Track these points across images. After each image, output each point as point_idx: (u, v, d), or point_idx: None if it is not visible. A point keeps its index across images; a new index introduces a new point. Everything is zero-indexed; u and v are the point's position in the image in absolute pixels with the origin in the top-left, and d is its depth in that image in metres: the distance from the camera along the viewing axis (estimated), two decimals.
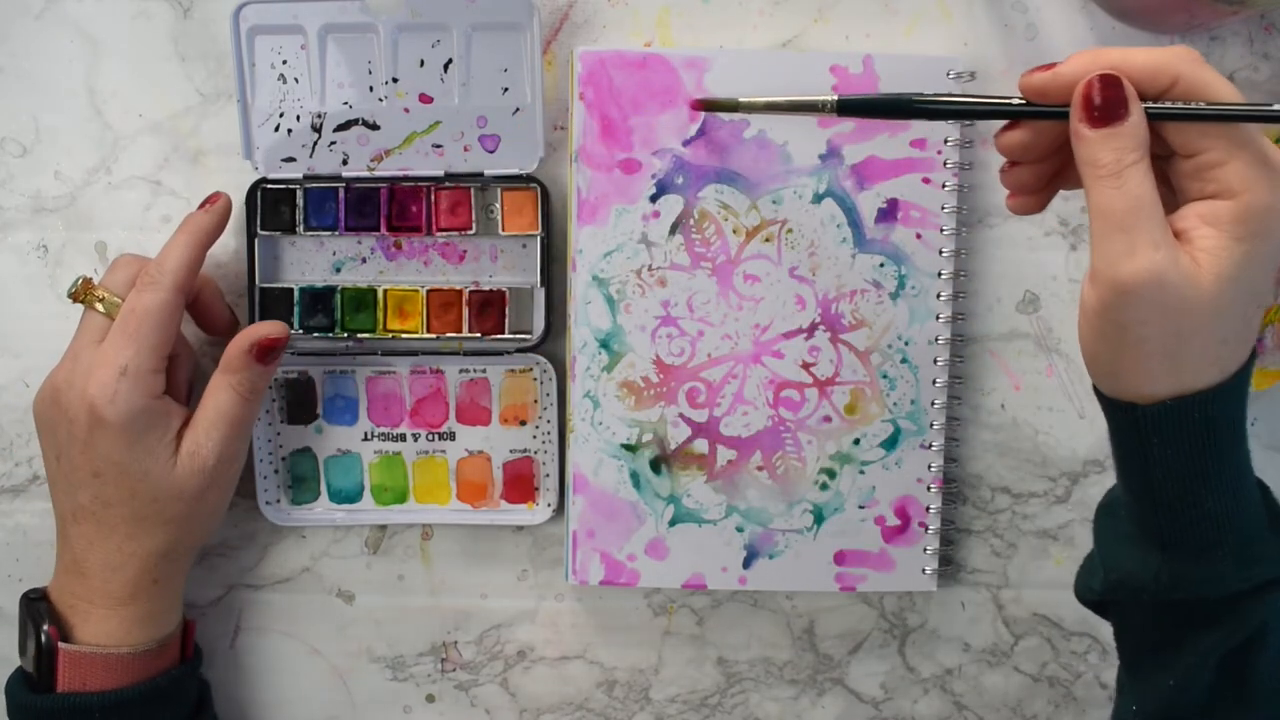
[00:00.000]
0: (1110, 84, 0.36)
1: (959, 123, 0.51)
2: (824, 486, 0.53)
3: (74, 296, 0.49)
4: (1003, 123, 0.41)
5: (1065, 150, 0.40)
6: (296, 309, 0.53)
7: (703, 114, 0.51)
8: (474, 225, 0.52)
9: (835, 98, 0.43)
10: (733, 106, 0.48)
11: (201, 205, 0.50)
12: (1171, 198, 0.38)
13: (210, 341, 0.54)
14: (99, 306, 0.48)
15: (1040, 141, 0.40)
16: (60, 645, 0.47)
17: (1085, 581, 0.43)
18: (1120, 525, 0.41)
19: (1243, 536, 0.39)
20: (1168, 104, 0.37)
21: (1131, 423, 0.38)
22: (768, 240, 0.51)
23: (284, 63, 0.51)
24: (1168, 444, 0.38)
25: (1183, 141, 0.37)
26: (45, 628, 0.47)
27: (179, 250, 0.48)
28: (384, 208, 0.52)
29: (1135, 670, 0.43)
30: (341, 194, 0.52)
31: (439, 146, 0.52)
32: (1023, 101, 0.40)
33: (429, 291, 0.53)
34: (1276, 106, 0.36)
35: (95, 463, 0.47)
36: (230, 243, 0.53)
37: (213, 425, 0.49)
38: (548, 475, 0.54)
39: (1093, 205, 0.37)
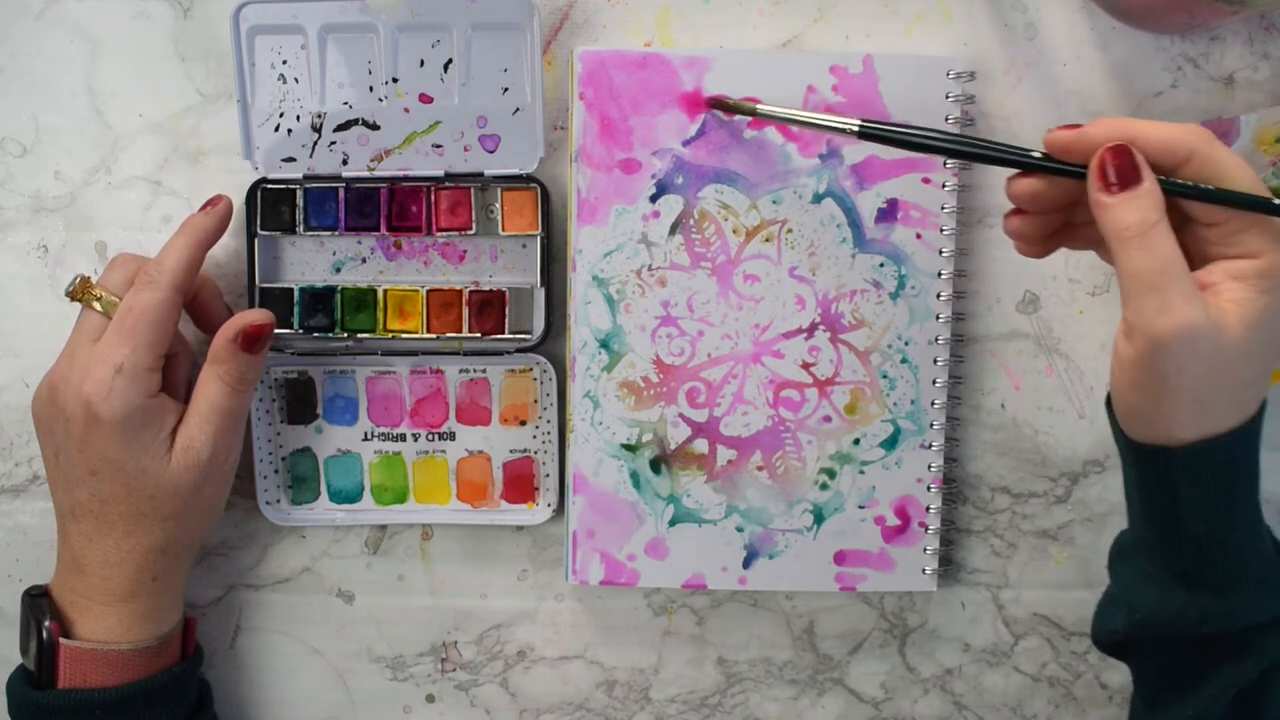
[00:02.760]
0: (1121, 153, 0.39)
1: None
2: (824, 486, 0.53)
3: (72, 295, 0.49)
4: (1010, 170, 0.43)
5: (1072, 209, 0.43)
6: (296, 309, 0.53)
7: (707, 113, 0.51)
8: (474, 225, 0.52)
9: (857, 123, 0.44)
10: (750, 112, 0.49)
11: (203, 207, 0.50)
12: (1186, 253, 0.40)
13: (208, 341, 0.54)
14: (96, 305, 0.48)
15: (1051, 194, 0.42)
16: (61, 641, 0.47)
17: (1106, 625, 0.45)
18: (1141, 567, 0.43)
19: (1262, 570, 0.41)
20: (1179, 181, 0.40)
21: (1162, 466, 0.40)
22: (768, 240, 0.51)
23: (284, 63, 0.51)
24: (1195, 484, 0.40)
25: (1201, 213, 0.40)
26: (47, 623, 0.47)
27: (178, 250, 0.48)
28: (384, 208, 0.52)
29: (1154, 707, 0.45)
30: (341, 194, 0.52)
31: (439, 146, 0.52)
32: (1042, 155, 0.42)
33: (429, 291, 0.53)
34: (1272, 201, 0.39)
35: (92, 460, 0.47)
36: (230, 243, 0.53)
37: (204, 419, 0.49)
38: (548, 475, 0.54)
39: (1122, 267, 0.39)
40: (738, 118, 0.50)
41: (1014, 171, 0.43)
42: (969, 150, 0.43)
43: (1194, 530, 0.41)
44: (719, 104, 0.50)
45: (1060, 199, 0.43)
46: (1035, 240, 0.45)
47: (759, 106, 0.48)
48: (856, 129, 0.44)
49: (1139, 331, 0.38)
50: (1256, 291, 0.39)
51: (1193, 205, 0.40)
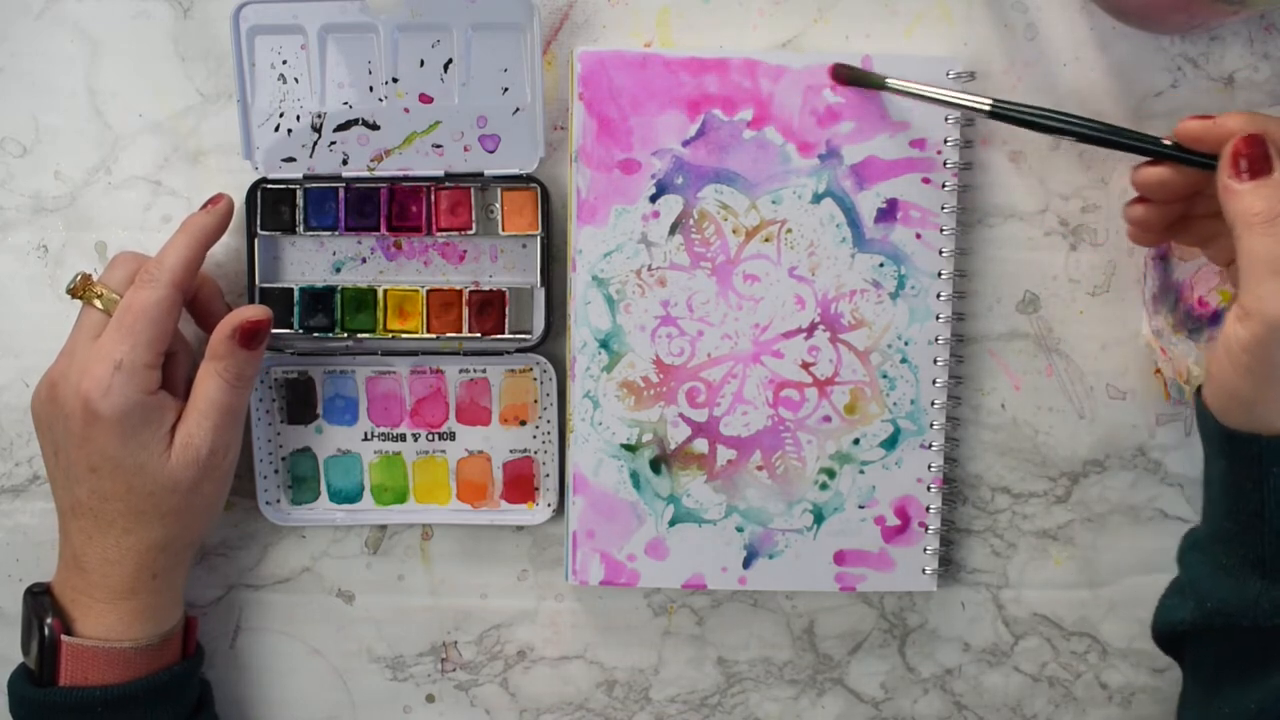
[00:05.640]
0: (1255, 142, 0.41)
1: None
2: (824, 486, 0.53)
3: (72, 292, 0.49)
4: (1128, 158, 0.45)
5: (1193, 200, 0.45)
6: (296, 309, 0.53)
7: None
8: (474, 225, 0.52)
9: (989, 103, 0.45)
10: (879, 84, 0.49)
11: (203, 206, 0.50)
12: None
13: (208, 340, 0.54)
14: (97, 303, 0.48)
15: (1176, 184, 0.44)
16: (63, 638, 0.47)
17: (1171, 616, 0.46)
18: (1215, 557, 0.44)
19: None
20: None
21: (1255, 454, 0.42)
22: (767, 240, 0.51)
23: (284, 63, 0.51)
24: None
25: None
26: (49, 621, 0.47)
27: (178, 249, 0.49)
28: (384, 208, 0.52)
29: (1212, 697, 0.45)
30: (341, 194, 0.52)
31: (439, 146, 0.52)
32: (1173, 143, 0.44)
33: (429, 291, 0.53)
34: None
35: (91, 458, 0.47)
36: (230, 243, 0.53)
37: (203, 415, 0.49)
38: (548, 475, 0.54)
39: (1246, 251, 0.40)
40: (861, 88, 0.50)
41: (1140, 158, 0.45)
42: (1099, 135, 0.45)
43: (1278, 520, 0.41)
44: (846, 75, 0.50)
45: (1184, 189, 0.44)
46: (1155, 229, 0.46)
47: (889, 80, 0.48)
48: (988, 108, 0.45)
49: (1256, 315, 0.39)
50: None
51: None
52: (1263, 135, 0.41)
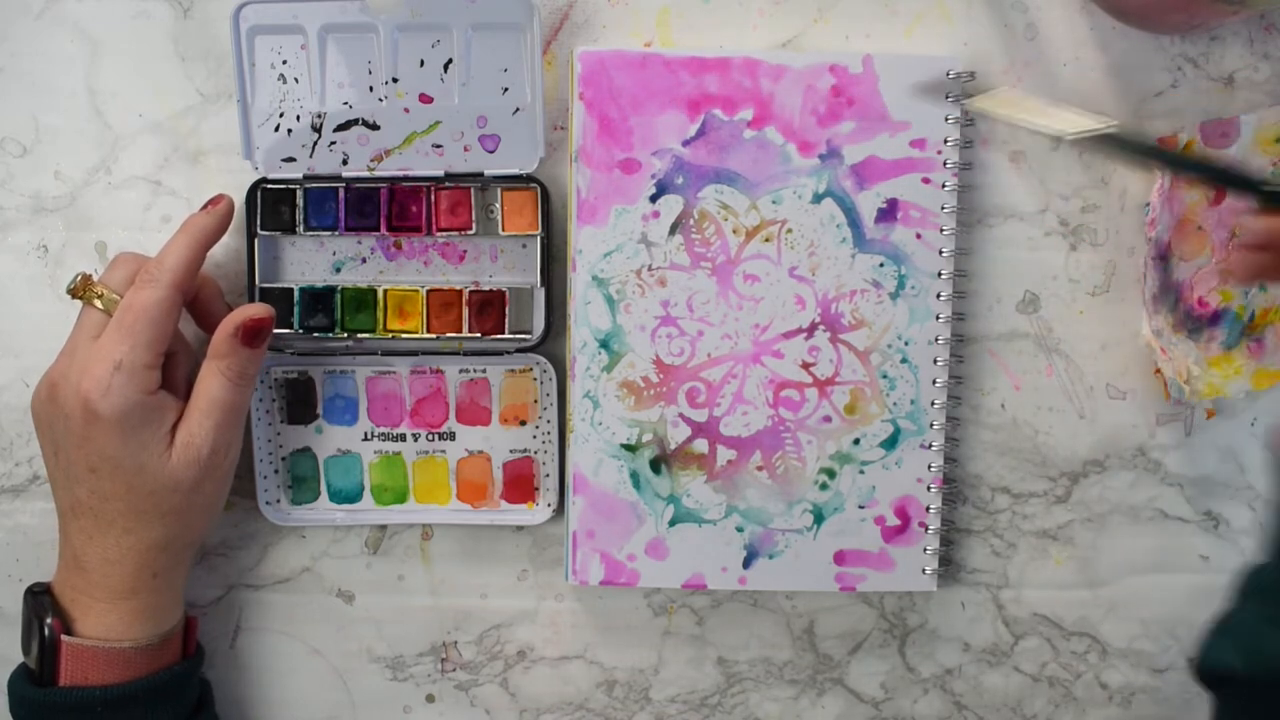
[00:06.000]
0: None
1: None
2: (824, 486, 0.53)
3: (73, 292, 0.49)
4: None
5: None
6: (296, 309, 0.53)
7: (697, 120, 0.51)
8: (474, 225, 0.52)
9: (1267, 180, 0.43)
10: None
11: (204, 206, 0.50)
12: None
13: (209, 340, 0.54)
14: (97, 303, 0.48)
15: None
16: (63, 638, 0.47)
17: (1219, 658, 0.43)
18: (1271, 609, 0.42)
19: None
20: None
21: None
22: (767, 240, 0.51)
23: (284, 63, 0.51)
24: None
25: None
26: (49, 620, 0.47)
27: (179, 249, 0.49)
28: (384, 208, 0.52)
29: None
30: (341, 194, 0.52)
31: (439, 146, 0.52)
32: None
33: (429, 291, 0.53)
34: None
35: (91, 458, 0.47)
36: (230, 243, 0.53)
37: (204, 414, 0.49)
38: (548, 475, 0.54)
39: None
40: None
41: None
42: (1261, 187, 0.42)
43: None
44: (974, 107, 0.47)
45: None
46: (1269, 274, 0.43)
47: (1021, 112, 0.46)
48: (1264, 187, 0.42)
49: None
50: None
51: None
52: None
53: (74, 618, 0.48)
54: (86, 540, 0.48)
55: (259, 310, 0.49)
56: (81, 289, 0.49)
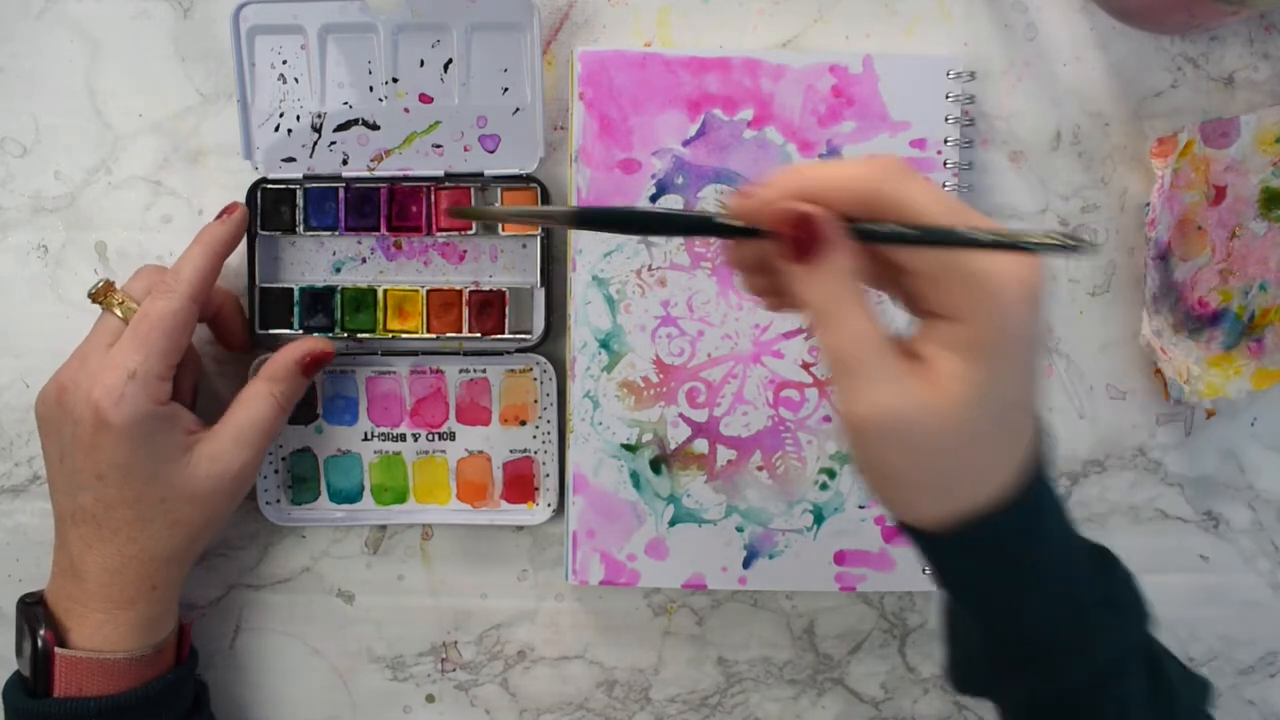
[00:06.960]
0: (796, 224, 0.33)
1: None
2: (824, 486, 0.53)
3: (94, 297, 0.49)
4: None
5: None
6: (296, 309, 0.53)
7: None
8: (474, 225, 0.52)
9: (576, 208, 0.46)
10: (477, 215, 0.51)
11: (218, 216, 0.50)
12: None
13: (213, 343, 0.54)
14: (117, 311, 0.48)
15: (768, 254, 0.35)
16: (56, 651, 0.47)
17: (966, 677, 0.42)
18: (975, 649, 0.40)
19: (1062, 637, 0.37)
20: (873, 225, 0.33)
21: (924, 546, 0.37)
22: None
23: (284, 63, 0.51)
24: (966, 562, 0.36)
25: (906, 260, 0.34)
26: (41, 633, 0.47)
27: (194, 260, 0.49)
28: (384, 208, 0.52)
29: None
30: (341, 194, 0.52)
31: (439, 146, 0.52)
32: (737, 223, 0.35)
33: (429, 291, 0.53)
34: (970, 232, 0.33)
35: (99, 465, 0.47)
36: None
37: (243, 432, 0.49)
38: (548, 475, 0.54)
39: (819, 344, 0.35)
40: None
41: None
42: (660, 220, 0.38)
43: (985, 609, 0.37)
44: (457, 211, 0.52)
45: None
46: (779, 292, 0.37)
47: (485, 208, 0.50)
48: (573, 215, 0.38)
49: (839, 416, 0.34)
50: (967, 362, 0.33)
51: (895, 252, 0.34)
52: (803, 212, 0.33)
53: (68, 628, 0.48)
54: (86, 548, 0.48)
55: (324, 344, 0.51)
56: (103, 294, 0.49)
